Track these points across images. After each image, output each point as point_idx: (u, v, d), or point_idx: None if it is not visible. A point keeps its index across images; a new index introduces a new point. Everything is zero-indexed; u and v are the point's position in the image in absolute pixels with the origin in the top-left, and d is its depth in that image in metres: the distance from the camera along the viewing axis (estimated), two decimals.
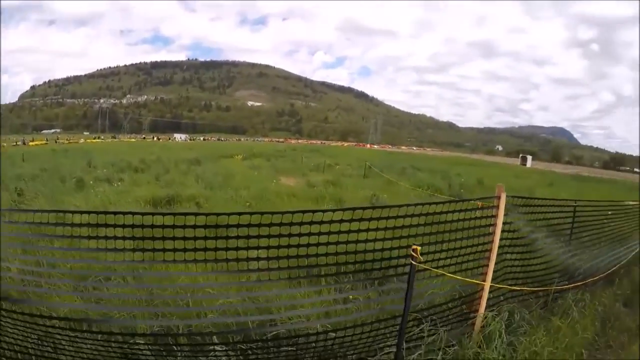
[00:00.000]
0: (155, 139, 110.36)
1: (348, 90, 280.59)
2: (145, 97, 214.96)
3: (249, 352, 3.67)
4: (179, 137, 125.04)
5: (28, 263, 4.32)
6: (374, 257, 3.94)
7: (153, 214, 3.46)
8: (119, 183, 15.42)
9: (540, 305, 5.18)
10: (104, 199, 11.10)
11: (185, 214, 3.48)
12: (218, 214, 3.42)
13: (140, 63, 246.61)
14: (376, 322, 3.85)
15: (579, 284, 5.69)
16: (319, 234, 3.62)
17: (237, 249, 3.49)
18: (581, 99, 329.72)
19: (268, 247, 3.53)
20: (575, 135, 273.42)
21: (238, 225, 3.43)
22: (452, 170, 31.89)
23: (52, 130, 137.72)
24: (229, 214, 3.43)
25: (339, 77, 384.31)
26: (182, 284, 4.47)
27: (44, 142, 66.81)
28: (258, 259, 3.55)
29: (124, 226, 3.40)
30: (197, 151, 42.85)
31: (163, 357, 3.54)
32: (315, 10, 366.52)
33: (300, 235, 3.56)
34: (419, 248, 3.56)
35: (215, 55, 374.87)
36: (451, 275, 4.05)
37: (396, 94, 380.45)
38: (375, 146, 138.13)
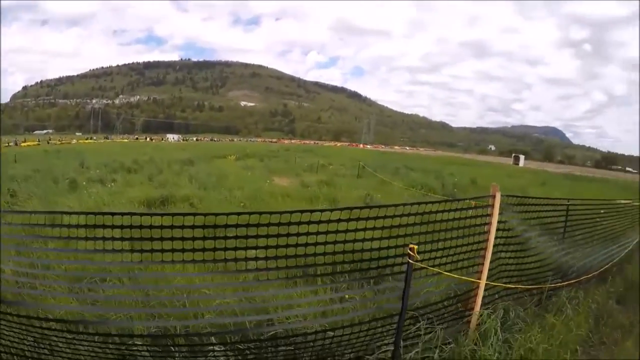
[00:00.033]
0: (147, 139, 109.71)
1: (341, 90, 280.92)
2: (138, 97, 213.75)
3: (247, 352, 3.67)
4: (171, 137, 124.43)
5: (22, 265, 4.28)
6: (371, 256, 3.96)
7: (151, 215, 3.45)
8: (112, 184, 15.33)
9: (534, 303, 5.25)
10: (98, 200, 11.04)
11: (184, 214, 3.47)
12: (217, 214, 3.42)
13: (132, 63, 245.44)
14: (373, 320, 3.87)
15: (572, 281, 5.76)
16: (317, 233, 3.64)
17: (235, 249, 3.49)
18: (573, 99, 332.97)
19: (266, 247, 3.54)
20: (568, 135, 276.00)
21: (237, 226, 3.44)
22: (445, 170, 32.04)
23: (44, 131, 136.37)
24: (227, 214, 3.44)
25: (332, 77, 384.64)
26: (179, 284, 4.45)
27: (36, 142, 66.26)
28: (256, 258, 3.56)
29: (122, 227, 3.40)
30: (190, 151, 42.72)
31: (161, 358, 3.53)
32: (308, 11, 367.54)
33: (298, 234, 3.58)
34: (415, 247, 3.59)
35: (208, 56, 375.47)
36: (447, 273, 4.08)
37: (389, 94, 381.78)
38: (368, 146, 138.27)
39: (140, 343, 3.59)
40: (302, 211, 3.59)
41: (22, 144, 61.53)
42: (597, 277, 6.49)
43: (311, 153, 49.53)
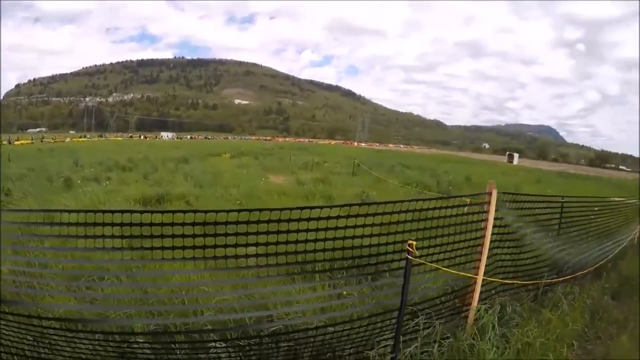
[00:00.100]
0: (142, 137, 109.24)
1: (335, 89, 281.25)
2: (132, 95, 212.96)
3: (247, 348, 3.69)
4: (165, 135, 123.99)
5: (19, 264, 4.26)
6: (370, 252, 3.98)
7: (152, 212, 3.46)
8: (107, 182, 15.26)
9: (530, 298, 5.30)
10: (94, 198, 11.00)
11: (184, 211, 3.47)
12: (217, 211, 3.42)
13: (126, 61, 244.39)
14: (373, 316, 3.90)
15: (568, 277, 5.83)
16: (316, 230, 3.65)
17: (235, 245, 3.49)
18: (567, 98, 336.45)
19: (266, 244, 3.55)
20: (562, 134, 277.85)
21: (237, 222, 3.44)
22: (440, 167, 32.12)
23: (38, 129, 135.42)
24: (227, 211, 3.45)
25: (327, 76, 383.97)
26: (177, 282, 4.46)
27: (30, 141, 65.61)
28: (256, 255, 3.57)
29: (121, 224, 3.38)
30: (185, 150, 42.54)
31: (162, 356, 3.54)
32: (303, 9, 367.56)
33: (298, 231, 3.59)
34: (414, 243, 3.62)
35: (203, 54, 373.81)
36: (445, 269, 4.12)
37: (384, 92, 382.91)
38: (363, 144, 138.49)
39: (141, 340, 3.59)
40: (301, 208, 3.61)
41: (16, 143, 60.91)
42: (592, 273, 6.57)
43: (306, 151, 49.52)
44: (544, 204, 6.20)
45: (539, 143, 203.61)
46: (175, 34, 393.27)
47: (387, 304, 4.08)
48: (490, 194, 4.62)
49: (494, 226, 4.71)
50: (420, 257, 3.83)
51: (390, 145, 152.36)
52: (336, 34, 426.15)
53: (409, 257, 3.59)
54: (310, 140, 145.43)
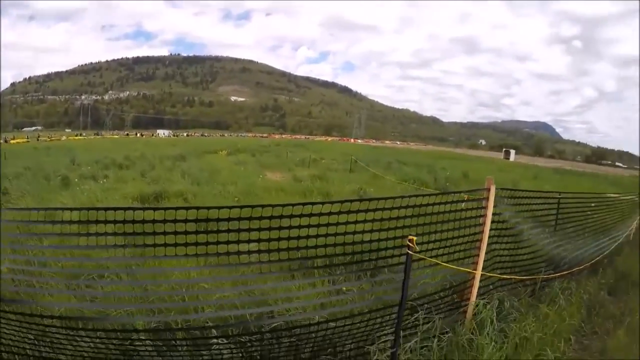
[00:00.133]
0: (138, 135, 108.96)
1: (332, 85, 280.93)
2: (128, 93, 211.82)
3: (249, 344, 3.71)
4: (162, 133, 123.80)
5: (18, 262, 4.26)
6: (371, 247, 4.01)
7: (154, 209, 3.47)
8: (105, 180, 15.25)
9: (528, 294, 5.36)
10: (91, 197, 10.99)
11: (187, 208, 3.49)
12: (219, 207, 3.43)
13: (122, 58, 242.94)
14: (373, 311, 3.93)
15: (565, 273, 5.88)
16: (318, 225, 3.67)
17: (236, 242, 3.51)
18: (563, 94, 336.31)
19: (268, 240, 3.57)
20: (558, 130, 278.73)
21: (239, 219, 3.45)
22: (437, 164, 32.20)
23: (33, 128, 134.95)
24: (230, 207, 3.45)
25: (323, 72, 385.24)
26: (179, 279, 4.47)
27: (25, 139, 65.40)
28: (259, 251, 3.58)
29: (124, 222, 3.38)
30: (181, 147, 42.47)
31: (164, 353, 3.56)
32: (299, 6, 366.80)
33: (299, 227, 3.60)
34: (414, 238, 3.64)
35: (198, 51, 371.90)
36: (445, 264, 4.16)
37: (380, 88, 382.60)
38: (359, 141, 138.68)
39: (144, 338, 3.61)
40: (303, 204, 3.64)
41: (12, 141, 60.69)
42: (588, 269, 6.63)
43: (302, 148, 49.44)
44: (541, 200, 6.24)
45: (536, 139, 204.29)
46: (171, 31, 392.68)
47: (386, 300, 4.11)
48: (488, 189, 4.65)
49: (492, 222, 4.75)
50: (420, 252, 3.86)
51: (387, 141, 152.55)
52: (332, 30, 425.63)
53: (409, 252, 3.62)
54: (307, 137, 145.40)
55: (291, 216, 3.57)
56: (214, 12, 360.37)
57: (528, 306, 4.97)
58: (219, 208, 3.43)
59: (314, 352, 3.78)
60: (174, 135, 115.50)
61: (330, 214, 3.71)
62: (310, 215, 3.63)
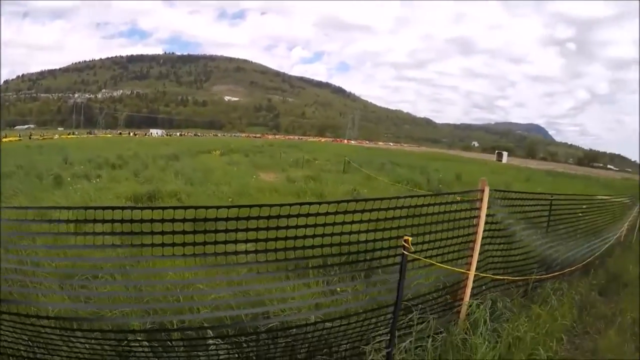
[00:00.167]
0: (131, 134, 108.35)
1: (326, 86, 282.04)
2: (121, 91, 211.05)
3: (245, 345, 3.72)
4: (155, 132, 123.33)
5: (11, 262, 4.23)
6: (366, 248, 4.04)
7: (151, 208, 3.46)
8: (98, 180, 15.14)
9: (520, 294, 5.41)
10: (85, 196, 10.92)
11: (185, 207, 3.48)
12: (218, 207, 3.44)
13: (116, 57, 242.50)
14: (368, 311, 3.95)
15: (556, 273, 5.95)
16: (314, 225, 3.68)
17: (235, 242, 3.52)
18: (557, 97, 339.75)
19: (263, 240, 3.58)
20: (550, 132, 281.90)
21: (237, 219, 3.46)
22: (430, 165, 32.33)
23: (26, 126, 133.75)
24: (228, 207, 3.46)
25: (317, 72, 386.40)
26: (173, 280, 4.46)
27: (18, 138, 64.70)
28: (256, 251, 3.60)
29: (122, 221, 3.38)
30: (175, 147, 42.30)
31: (160, 354, 3.56)
32: (294, 5, 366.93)
33: (297, 227, 3.62)
34: (410, 239, 3.68)
35: (193, 49, 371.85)
36: (440, 264, 4.19)
37: (374, 89, 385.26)
38: (353, 142, 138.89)
39: (141, 339, 3.60)
40: (300, 204, 3.64)
41: (4, 140, 60.01)
42: (580, 270, 6.71)
43: (296, 148, 49.44)
44: (534, 202, 6.30)
45: (528, 142, 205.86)
46: (166, 29, 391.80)
47: (381, 300, 4.14)
48: (482, 191, 4.69)
49: (486, 223, 4.79)
50: (415, 252, 3.89)
51: (380, 142, 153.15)
52: (327, 30, 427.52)
53: (404, 252, 3.65)
54: (300, 137, 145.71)
55: (288, 216, 3.59)
56: (208, 11, 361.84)
57: (520, 306, 5.02)
58: (218, 208, 3.43)
59: (309, 353, 3.80)
60: (167, 135, 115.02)
61: (327, 214, 3.74)
62: (308, 215, 3.65)
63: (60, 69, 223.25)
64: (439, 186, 18.07)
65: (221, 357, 3.61)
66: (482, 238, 4.76)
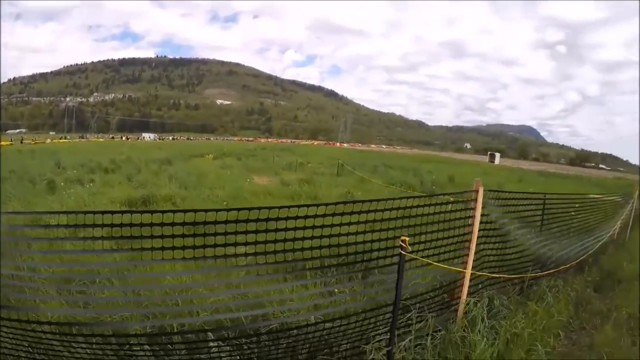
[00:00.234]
0: (123, 138, 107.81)
1: (318, 89, 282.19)
2: (113, 95, 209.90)
3: (245, 347, 3.74)
4: (147, 136, 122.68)
5: (8, 268, 4.20)
6: (364, 248, 4.07)
7: (151, 212, 3.46)
8: (91, 184, 15.03)
9: (516, 292, 5.49)
10: (79, 201, 10.87)
11: (185, 211, 3.49)
12: (217, 210, 3.46)
13: (108, 60, 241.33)
14: (368, 311, 3.99)
15: (551, 271, 6.03)
16: (312, 227, 3.71)
17: (235, 244, 3.52)
18: (548, 99, 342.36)
19: (263, 242, 3.60)
20: (542, 134, 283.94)
21: (237, 221, 3.48)
22: (423, 167, 32.53)
23: (18, 130, 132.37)
24: (228, 210, 3.50)
25: (309, 76, 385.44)
26: (172, 283, 4.47)
27: (9, 142, 64.04)
28: (255, 253, 3.62)
29: (121, 225, 3.37)
30: (167, 151, 42.19)
31: (161, 358, 3.56)
32: (286, 9, 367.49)
33: (294, 229, 3.65)
34: (407, 239, 3.72)
35: (185, 53, 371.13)
36: (437, 264, 4.24)
37: (366, 92, 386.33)
38: (345, 145, 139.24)
39: (143, 342, 3.60)
40: (298, 206, 3.67)
41: None
42: (574, 267, 6.79)
43: (289, 152, 49.48)
44: (527, 201, 6.37)
45: (520, 143, 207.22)
46: (158, 32, 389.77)
47: (379, 300, 4.17)
48: (477, 191, 4.75)
49: (481, 222, 4.84)
50: (412, 252, 3.93)
51: (373, 145, 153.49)
52: (319, 33, 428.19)
53: (402, 252, 3.69)
54: (293, 140, 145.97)
55: (287, 218, 3.61)
56: (201, 14, 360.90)
57: (517, 304, 5.09)
58: (217, 210, 3.46)
59: (310, 353, 3.82)
60: (159, 139, 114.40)
61: (324, 215, 3.76)
62: (306, 217, 3.67)
63: (52, 72, 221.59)
64: (432, 188, 18.20)
65: (223, 359, 3.62)
66: (478, 237, 4.81)
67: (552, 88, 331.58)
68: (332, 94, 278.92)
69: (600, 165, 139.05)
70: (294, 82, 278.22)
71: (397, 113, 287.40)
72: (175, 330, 3.89)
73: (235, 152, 44.63)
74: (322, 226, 3.77)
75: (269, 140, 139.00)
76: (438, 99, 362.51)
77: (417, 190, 16.81)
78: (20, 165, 21.52)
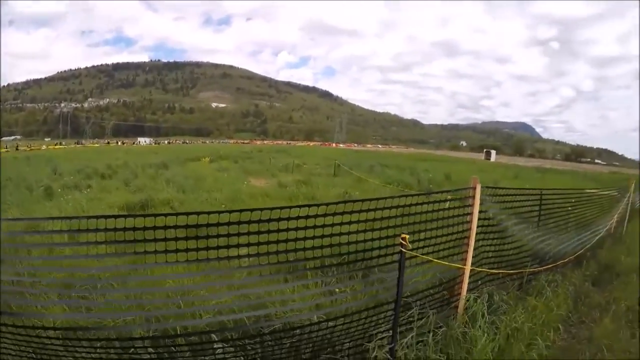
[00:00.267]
0: (119, 143, 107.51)
1: (312, 90, 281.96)
2: (108, 100, 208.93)
3: (249, 347, 3.76)
4: (143, 141, 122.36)
5: (9, 274, 4.21)
6: (365, 247, 4.10)
7: (152, 215, 3.47)
8: (88, 190, 14.99)
9: (516, 287, 5.53)
10: (77, 207, 10.85)
11: (186, 214, 3.51)
12: (220, 212, 3.49)
13: (101, 65, 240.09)
14: (370, 309, 4.02)
15: (550, 266, 6.08)
16: (313, 227, 3.74)
17: (237, 245, 3.55)
18: (542, 95, 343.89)
19: (265, 243, 3.62)
20: (537, 130, 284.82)
21: (239, 223, 3.50)
22: (419, 166, 32.62)
23: (12, 137, 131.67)
24: (230, 212, 3.53)
25: (304, 77, 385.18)
26: (173, 286, 4.49)
27: (4, 149, 63.68)
28: (258, 254, 3.64)
29: (125, 229, 3.38)
30: (163, 155, 42.05)
31: None
32: (279, 11, 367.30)
33: (297, 229, 3.68)
34: (407, 236, 3.75)
35: (178, 56, 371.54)
36: (437, 260, 4.28)
37: (360, 93, 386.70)
38: (341, 145, 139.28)
39: (147, 345, 3.62)
40: (299, 206, 3.69)
41: None
42: (572, 262, 6.85)
43: (285, 153, 49.39)
44: (524, 197, 6.41)
45: (516, 140, 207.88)
46: (151, 36, 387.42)
47: (380, 298, 4.21)
48: (474, 188, 4.80)
49: (479, 219, 4.89)
50: (413, 249, 3.97)
51: (369, 145, 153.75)
52: (312, 34, 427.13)
53: (402, 250, 3.73)
54: (289, 142, 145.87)
55: (288, 219, 3.64)
56: (194, 17, 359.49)
57: (516, 299, 5.14)
58: (220, 213, 3.48)
59: (314, 352, 3.85)
60: (155, 143, 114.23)
61: (325, 215, 3.79)
62: (307, 217, 3.70)
63: (45, 78, 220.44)
64: (429, 186, 18.24)
65: None
66: (476, 234, 4.86)
67: (546, 84, 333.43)
68: (326, 95, 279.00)
69: (596, 160, 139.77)
70: (288, 84, 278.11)
71: (392, 112, 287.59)
72: (179, 332, 3.91)
73: (232, 154, 44.52)
74: (322, 226, 3.79)
75: (265, 142, 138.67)
76: (432, 97, 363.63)
77: (414, 188, 16.85)
78: (17, 172, 21.44)
